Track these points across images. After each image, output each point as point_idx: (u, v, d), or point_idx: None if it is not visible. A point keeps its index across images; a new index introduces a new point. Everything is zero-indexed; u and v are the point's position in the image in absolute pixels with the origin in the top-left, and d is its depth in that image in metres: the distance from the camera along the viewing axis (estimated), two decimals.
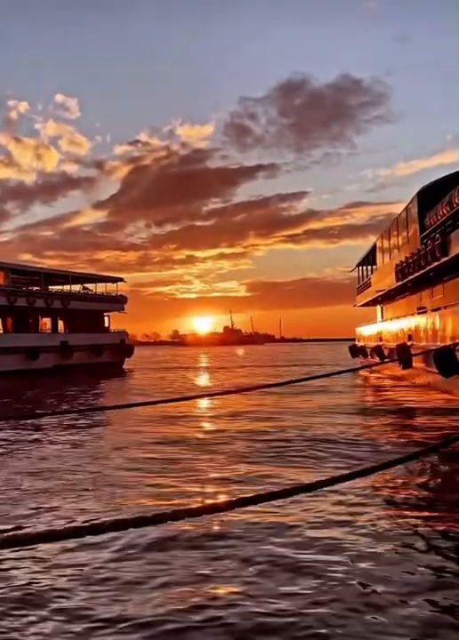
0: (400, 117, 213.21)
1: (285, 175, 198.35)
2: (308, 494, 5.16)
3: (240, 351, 56.04)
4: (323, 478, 3.54)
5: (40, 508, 5.67)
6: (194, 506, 3.06)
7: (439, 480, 6.49)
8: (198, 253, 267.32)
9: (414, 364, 17.66)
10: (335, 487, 5.38)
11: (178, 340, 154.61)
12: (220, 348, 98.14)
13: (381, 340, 25.65)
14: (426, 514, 5.20)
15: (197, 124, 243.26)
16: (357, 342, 34.61)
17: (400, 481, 6.29)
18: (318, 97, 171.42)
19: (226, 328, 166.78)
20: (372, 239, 37.46)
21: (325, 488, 4.77)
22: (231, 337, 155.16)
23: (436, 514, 5.21)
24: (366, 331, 32.00)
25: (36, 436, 10.38)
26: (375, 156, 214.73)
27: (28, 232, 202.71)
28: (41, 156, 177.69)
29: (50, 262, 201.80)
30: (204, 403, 15.26)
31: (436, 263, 15.97)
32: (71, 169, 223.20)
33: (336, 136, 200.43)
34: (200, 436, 10.10)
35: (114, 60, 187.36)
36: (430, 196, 17.85)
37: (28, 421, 12.18)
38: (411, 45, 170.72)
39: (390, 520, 5.06)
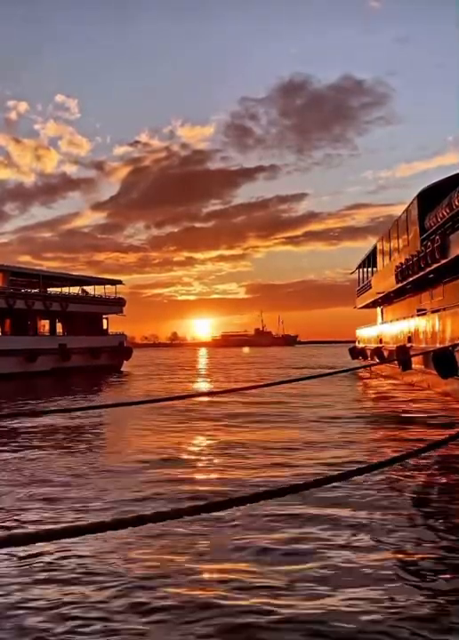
0: (402, 119, 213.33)
1: (285, 176, 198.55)
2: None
3: (245, 349, 52.59)
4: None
5: None
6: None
7: None
8: (198, 255, 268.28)
9: (413, 365, 17.58)
10: None
11: (211, 342, 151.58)
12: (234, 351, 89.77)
13: (381, 341, 25.55)
14: None
15: (198, 124, 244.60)
16: (357, 344, 34.50)
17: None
18: (319, 98, 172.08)
19: (257, 330, 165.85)
20: (372, 241, 37.38)
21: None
22: (262, 339, 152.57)
23: None
24: (366, 333, 31.90)
25: None
26: (376, 157, 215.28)
27: (27, 233, 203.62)
28: (40, 156, 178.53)
29: (49, 264, 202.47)
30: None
31: (436, 265, 15.88)
32: (71, 170, 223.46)
33: (337, 137, 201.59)
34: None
35: (114, 60, 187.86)
36: (430, 197, 17.82)
37: None
38: (413, 46, 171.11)
39: None
